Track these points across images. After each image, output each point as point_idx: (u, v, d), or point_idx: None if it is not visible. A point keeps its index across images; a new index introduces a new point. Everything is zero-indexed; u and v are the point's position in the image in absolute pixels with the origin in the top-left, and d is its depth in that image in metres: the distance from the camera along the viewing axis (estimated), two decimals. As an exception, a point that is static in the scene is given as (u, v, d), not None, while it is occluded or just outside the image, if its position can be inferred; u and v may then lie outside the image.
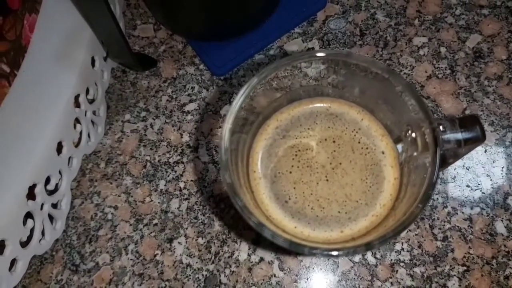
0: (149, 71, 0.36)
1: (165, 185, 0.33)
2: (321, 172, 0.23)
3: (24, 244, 0.26)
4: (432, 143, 0.20)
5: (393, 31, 0.36)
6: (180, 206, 0.33)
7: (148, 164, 0.34)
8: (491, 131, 0.32)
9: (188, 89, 0.36)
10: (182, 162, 0.34)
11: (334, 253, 0.17)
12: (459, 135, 0.21)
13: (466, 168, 0.32)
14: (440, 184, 0.31)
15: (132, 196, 0.33)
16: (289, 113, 0.24)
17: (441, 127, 0.21)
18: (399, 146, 0.23)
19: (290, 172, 0.23)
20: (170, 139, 0.34)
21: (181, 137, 0.34)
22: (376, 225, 0.21)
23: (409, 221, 0.18)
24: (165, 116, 0.35)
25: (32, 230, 0.26)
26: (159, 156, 0.34)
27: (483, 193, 0.31)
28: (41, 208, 0.27)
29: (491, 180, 0.31)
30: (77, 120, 0.31)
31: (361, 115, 0.23)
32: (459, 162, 0.32)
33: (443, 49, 0.35)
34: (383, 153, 0.23)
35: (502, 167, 0.31)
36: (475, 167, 0.31)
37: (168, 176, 0.33)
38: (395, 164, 0.22)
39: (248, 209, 0.19)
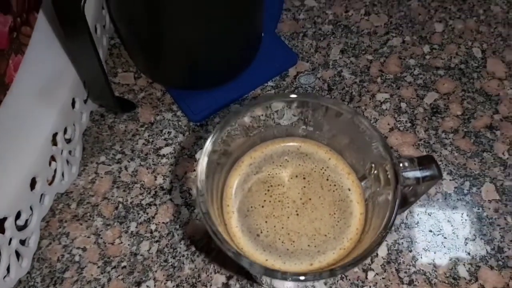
0: (127, 115, 0.38)
1: (136, 227, 0.33)
2: (292, 206, 0.24)
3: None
4: (393, 177, 0.21)
5: (358, 87, 0.39)
6: (150, 248, 0.32)
7: (120, 205, 0.34)
8: (450, 180, 0.35)
9: (164, 133, 0.37)
10: (155, 204, 0.34)
11: (302, 277, 0.18)
12: (418, 173, 0.23)
13: (428, 214, 0.33)
14: (405, 229, 0.33)
15: (101, 238, 0.33)
16: (262, 151, 0.25)
17: (401, 165, 0.22)
18: (364, 183, 0.24)
19: (262, 207, 0.24)
20: (144, 181, 0.35)
21: (155, 180, 0.35)
22: (343, 257, 0.22)
23: (371, 249, 0.19)
24: (140, 159, 0.36)
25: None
26: (131, 198, 0.34)
27: (445, 238, 0.32)
28: (9, 243, 0.26)
29: (452, 225, 0.33)
30: (52, 158, 0.31)
31: (329, 155, 0.25)
32: (421, 208, 0.33)
33: (403, 105, 0.38)
34: (349, 189, 0.24)
35: (462, 214, 0.33)
36: (436, 213, 0.33)
37: (140, 218, 0.33)
38: (361, 200, 0.24)
39: (226, 239, 0.19)
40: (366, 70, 0.40)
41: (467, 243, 0.32)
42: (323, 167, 0.25)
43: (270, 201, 0.24)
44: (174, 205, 0.34)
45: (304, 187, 0.24)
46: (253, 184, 0.24)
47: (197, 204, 0.20)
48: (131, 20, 0.33)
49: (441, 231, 0.33)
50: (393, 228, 0.33)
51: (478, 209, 0.33)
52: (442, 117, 0.37)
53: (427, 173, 0.23)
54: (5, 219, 0.26)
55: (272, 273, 0.18)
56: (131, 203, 0.34)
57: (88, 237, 0.33)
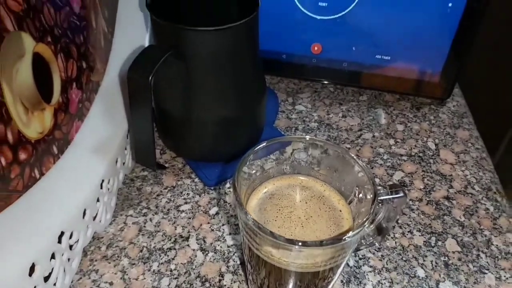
0: (153, 180, 0.45)
1: (158, 266, 0.38)
2: (298, 221, 0.31)
3: (45, 280, 0.29)
4: (373, 195, 0.29)
5: (341, 166, 0.49)
6: (170, 283, 0.37)
7: (145, 249, 0.40)
8: (419, 235, 0.42)
9: (184, 194, 0.44)
10: (175, 249, 0.40)
11: (298, 244, 0.25)
12: (390, 196, 0.31)
13: (404, 261, 0.40)
14: (386, 272, 0.39)
15: (127, 274, 0.38)
16: (274, 183, 0.33)
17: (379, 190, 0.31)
18: (351, 205, 0.32)
19: (275, 220, 0.31)
20: (165, 230, 0.41)
21: (175, 229, 0.41)
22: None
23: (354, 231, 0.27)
24: (163, 213, 0.43)
25: (51, 271, 0.30)
26: (155, 243, 0.40)
27: (420, 279, 0.38)
28: (62, 255, 0.32)
29: (424, 270, 0.39)
30: (97, 200, 0.38)
31: (324, 188, 0.33)
32: (398, 256, 0.40)
33: (377, 179, 0.47)
34: (340, 211, 0.32)
35: (431, 261, 0.40)
36: (410, 260, 0.40)
37: (161, 259, 0.39)
38: (350, 217, 0.31)
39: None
40: (346, 154, 0.50)
41: (438, 283, 0.38)
42: (319, 196, 0.33)
43: (281, 217, 0.31)
44: (191, 250, 0.40)
45: (306, 208, 0.32)
46: (267, 206, 0.32)
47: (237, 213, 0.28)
48: (164, 107, 0.44)
49: (416, 274, 0.39)
50: (376, 271, 0.39)
51: (445, 258, 0.40)
52: (408, 189, 0.46)
53: (396, 194, 0.31)
54: (63, 233, 0.32)
55: (290, 240, 0.25)
56: (154, 247, 0.40)
57: (115, 273, 0.38)
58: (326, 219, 0.31)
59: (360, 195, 0.31)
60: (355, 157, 0.31)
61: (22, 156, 0.32)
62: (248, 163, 0.31)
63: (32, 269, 0.28)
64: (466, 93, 0.61)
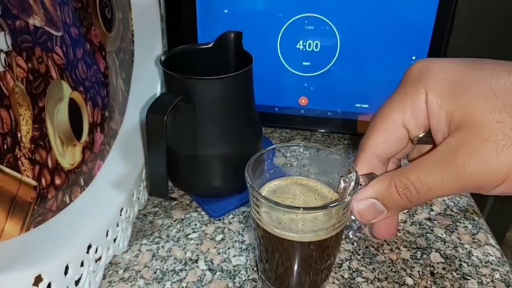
0: (163, 214, 0.51)
1: (171, 285, 0.42)
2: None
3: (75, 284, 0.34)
4: (355, 179, 0.35)
5: (332, 197, 0.54)
6: (182, 299, 0.41)
7: (158, 271, 0.44)
8: (406, 250, 0.47)
9: (192, 225, 0.49)
10: (185, 270, 0.44)
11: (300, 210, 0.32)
12: (367, 180, 0.37)
13: (394, 272, 0.44)
14: (378, 282, 0.43)
15: (143, 293, 0.41)
16: (275, 183, 0.40)
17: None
18: (339, 194, 0.38)
19: (280, 209, 0.36)
20: (176, 254, 0.46)
21: (185, 254, 0.46)
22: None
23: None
24: (174, 241, 0.47)
25: (80, 276, 0.35)
26: (167, 266, 0.44)
27: (409, 287, 0.42)
28: (89, 265, 0.36)
29: (412, 279, 0.43)
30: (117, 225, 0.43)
31: (315, 183, 0.40)
32: (388, 268, 0.44)
33: (365, 207, 0.53)
34: (331, 199, 0.38)
35: (418, 271, 0.44)
36: (399, 271, 0.44)
37: (174, 278, 0.43)
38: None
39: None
40: (336, 188, 0.56)
41: (426, 289, 0.42)
42: (313, 190, 0.39)
43: (284, 207, 0.37)
44: (200, 270, 0.44)
45: (304, 198, 0.38)
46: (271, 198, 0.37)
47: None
48: (172, 148, 0.50)
49: (405, 282, 0.43)
50: (369, 281, 0.43)
51: (430, 268, 0.44)
52: (394, 214, 0.52)
53: (371, 179, 0.37)
54: (90, 247, 0.37)
55: (295, 207, 0.32)
56: (166, 269, 0.44)
57: (132, 292, 0.41)
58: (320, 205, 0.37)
59: (345, 184, 0.37)
60: (336, 151, 0.38)
61: (57, 181, 0.38)
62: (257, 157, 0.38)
63: (66, 271, 0.33)
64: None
